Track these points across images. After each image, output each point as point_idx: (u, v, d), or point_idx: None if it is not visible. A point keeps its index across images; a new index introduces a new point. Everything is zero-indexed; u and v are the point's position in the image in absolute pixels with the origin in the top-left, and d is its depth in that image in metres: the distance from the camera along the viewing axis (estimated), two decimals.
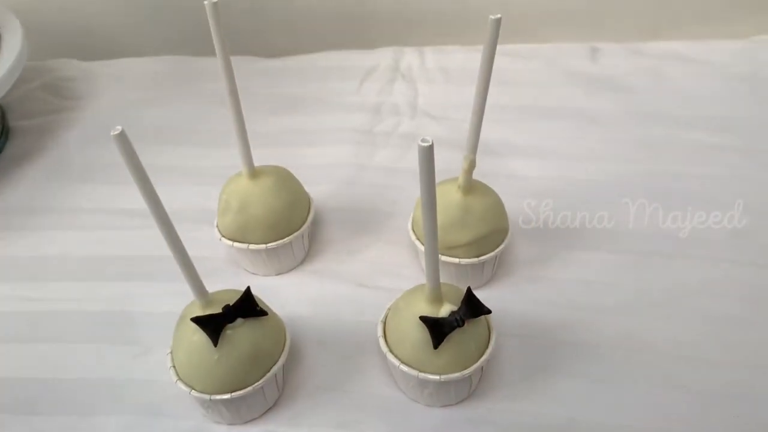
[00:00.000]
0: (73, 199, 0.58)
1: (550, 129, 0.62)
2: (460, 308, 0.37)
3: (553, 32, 0.74)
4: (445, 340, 0.37)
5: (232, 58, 0.73)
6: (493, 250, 0.45)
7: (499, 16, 0.37)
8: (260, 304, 0.39)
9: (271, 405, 0.41)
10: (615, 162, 0.58)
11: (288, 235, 0.47)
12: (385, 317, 0.41)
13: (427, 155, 0.31)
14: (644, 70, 0.69)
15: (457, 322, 0.37)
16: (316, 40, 0.76)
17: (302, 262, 0.50)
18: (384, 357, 0.40)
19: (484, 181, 0.46)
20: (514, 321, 0.45)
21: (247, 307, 0.38)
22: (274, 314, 0.41)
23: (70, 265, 0.51)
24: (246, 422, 0.41)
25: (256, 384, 0.38)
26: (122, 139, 0.32)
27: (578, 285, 0.48)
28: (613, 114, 0.64)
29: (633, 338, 0.44)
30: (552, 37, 0.74)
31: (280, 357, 0.39)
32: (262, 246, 0.46)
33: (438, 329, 0.36)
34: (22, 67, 0.60)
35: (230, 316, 0.37)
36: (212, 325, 0.37)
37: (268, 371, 0.39)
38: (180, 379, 0.38)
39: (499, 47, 0.38)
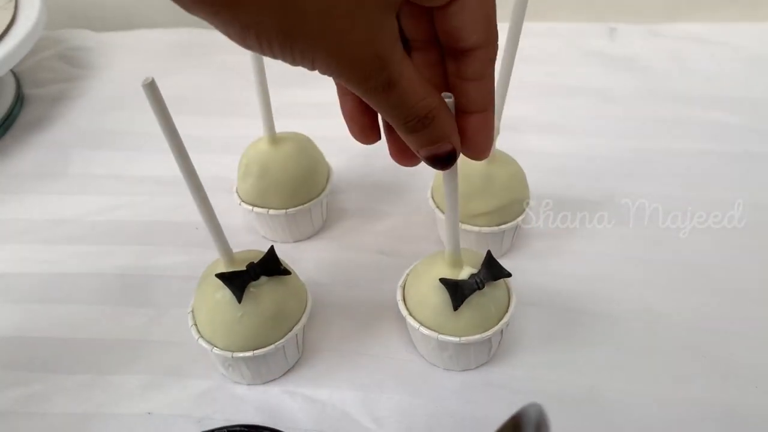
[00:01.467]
0: (86, 165, 0.58)
1: (568, 107, 0.62)
2: (480, 271, 0.37)
3: (572, 12, 0.74)
4: (464, 303, 0.36)
5: None
6: (513, 220, 0.45)
7: None
8: (283, 264, 0.39)
9: (291, 366, 0.41)
10: (632, 140, 0.58)
11: (307, 202, 0.47)
12: (405, 281, 0.41)
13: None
14: (662, 50, 0.68)
15: (477, 284, 0.36)
16: None
17: (321, 229, 0.50)
18: (403, 321, 0.39)
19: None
20: (533, 290, 0.45)
21: (270, 265, 0.38)
22: (296, 275, 0.40)
23: (83, 229, 0.51)
24: (266, 382, 0.40)
25: (278, 342, 0.38)
26: (152, 89, 0.31)
27: (598, 257, 0.47)
28: (631, 93, 0.63)
29: (652, 309, 0.44)
30: (571, 17, 0.73)
31: (302, 317, 0.39)
32: (282, 211, 0.46)
33: (458, 291, 0.36)
34: (39, 36, 0.60)
35: (254, 274, 0.37)
36: (237, 281, 0.36)
37: (290, 330, 0.38)
38: (202, 336, 0.38)
39: None
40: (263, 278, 0.37)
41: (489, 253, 0.38)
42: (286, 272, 0.39)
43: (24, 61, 0.59)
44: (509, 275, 0.38)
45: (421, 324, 0.38)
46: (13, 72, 0.66)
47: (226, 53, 0.70)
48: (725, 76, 0.65)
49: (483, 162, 0.43)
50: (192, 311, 0.39)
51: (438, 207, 0.46)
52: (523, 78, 0.65)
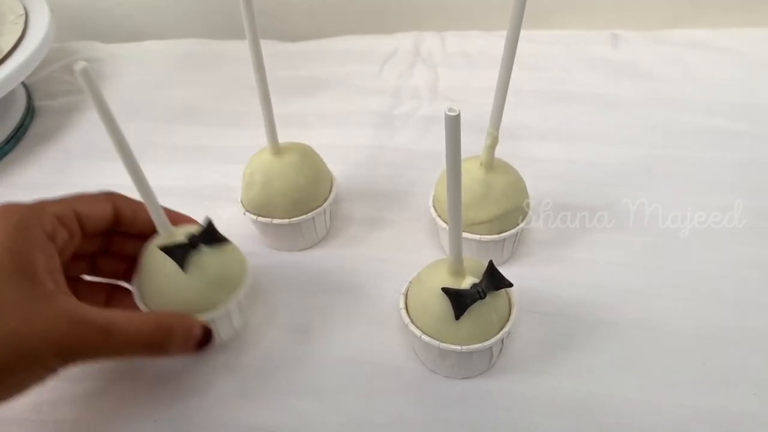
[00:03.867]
0: (96, 177, 0.58)
1: (570, 114, 0.62)
2: (482, 280, 0.37)
3: (574, 19, 0.74)
4: (466, 312, 0.37)
5: None
6: (514, 228, 0.45)
7: None
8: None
9: (237, 331, 0.44)
10: (635, 147, 0.58)
11: (311, 211, 0.48)
12: (407, 290, 0.41)
13: (454, 124, 0.31)
14: (665, 57, 0.69)
15: (479, 294, 0.37)
16: (337, 24, 0.76)
17: (324, 238, 0.51)
18: (405, 330, 0.40)
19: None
20: (534, 298, 0.45)
21: (210, 236, 0.41)
22: (234, 245, 0.43)
23: None
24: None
25: (223, 305, 0.40)
26: (86, 75, 0.32)
27: (598, 265, 0.48)
28: (634, 100, 0.64)
29: (652, 318, 0.44)
30: (573, 24, 0.74)
31: (243, 282, 0.42)
32: (286, 220, 0.47)
33: (460, 300, 0.37)
34: (49, 49, 0.61)
35: (195, 244, 0.39)
36: (180, 252, 0.39)
37: (234, 294, 0.41)
38: (148, 308, 0.40)
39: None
40: (204, 248, 0.40)
41: (491, 263, 0.38)
42: (225, 240, 0.41)
43: (35, 73, 0.60)
44: (511, 285, 0.38)
45: (423, 332, 0.39)
46: (24, 84, 0.67)
47: (233, 64, 0.71)
48: (728, 83, 0.65)
49: (483, 170, 0.44)
50: (137, 287, 0.41)
51: (439, 216, 0.46)
52: (525, 85, 0.66)
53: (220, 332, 0.42)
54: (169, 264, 0.39)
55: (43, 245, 0.35)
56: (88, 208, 0.39)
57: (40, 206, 0.37)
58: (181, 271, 0.39)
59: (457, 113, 0.31)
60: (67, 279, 0.36)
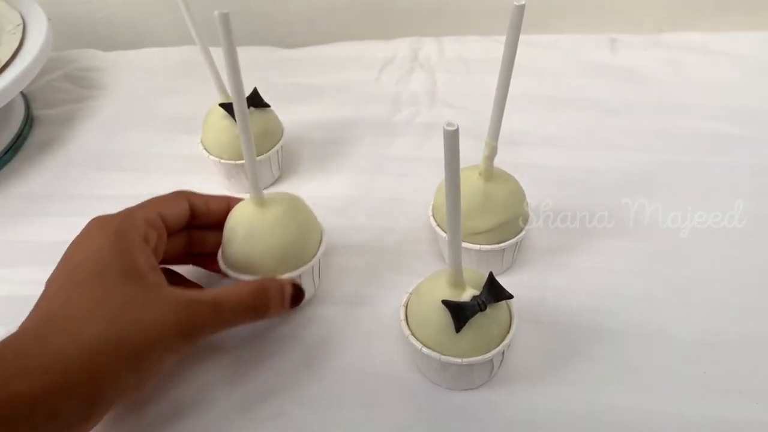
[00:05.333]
0: (95, 186, 0.58)
1: (568, 119, 0.63)
2: (482, 292, 0.38)
3: (572, 23, 0.74)
4: (467, 324, 0.37)
5: (251, 48, 0.74)
6: (513, 237, 0.45)
7: (523, 2, 0.37)
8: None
9: (277, 176, 0.56)
10: (634, 152, 0.58)
11: (298, 268, 0.43)
12: (407, 301, 0.41)
13: (452, 139, 0.31)
14: (663, 61, 0.69)
15: (479, 306, 0.37)
16: (335, 30, 0.76)
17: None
18: (405, 341, 0.40)
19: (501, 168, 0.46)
20: (534, 307, 0.45)
21: (256, 100, 0.53)
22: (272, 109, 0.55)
23: None
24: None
25: (268, 152, 0.53)
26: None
27: (597, 273, 0.48)
28: (633, 105, 0.64)
29: (652, 325, 0.44)
30: (571, 29, 0.74)
31: (281, 138, 0.55)
32: None
33: (460, 313, 0.37)
34: (47, 58, 0.61)
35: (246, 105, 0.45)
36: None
37: (274, 146, 0.54)
38: (211, 153, 0.53)
39: None
40: (252, 108, 0.51)
41: (491, 275, 0.38)
42: (266, 105, 0.53)
43: (33, 82, 0.60)
44: (511, 297, 0.38)
45: (424, 344, 0.39)
46: (22, 93, 0.67)
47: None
48: (727, 86, 0.65)
49: (482, 180, 0.44)
50: (201, 142, 0.54)
51: (439, 225, 0.47)
52: (523, 90, 0.65)
53: (265, 176, 0.51)
54: (228, 118, 0.50)
55: (141, 247, 0.38)
56: (168, 208, 0.42)
57: (130, 214, 0.40)
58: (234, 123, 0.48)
59: (456, 128, 0.31)
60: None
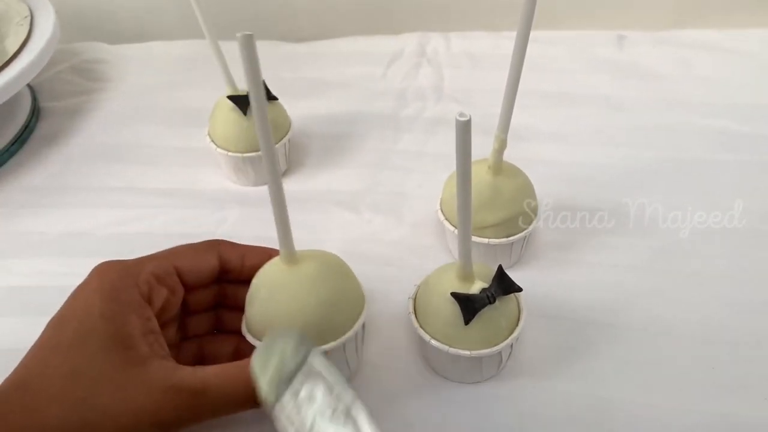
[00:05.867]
0: (101, 178, 0.58)
1: (575, 115, 0.62)
2: (491, 285, 0.37)
3: (580, 19, 0.74)
4: (476, 317, 0.37)
5: (258, 43, 0.74)
6: (522, 231, 0.45)
7: None
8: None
9: (284, 169, 0.56)
10: (640, 149, 0.58)
11: (326, 343, 0.37)
12: (416, 294, 0.41)
13: (464, 129, 0.31)
14: (671, 58, 0.68)
15: (488, 299, 0.37)
16: (342, 24, 0.76)
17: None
18: (414, 334, 0.40)
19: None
20: (542, 301, 0.45)
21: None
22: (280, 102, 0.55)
23: (99, 242, 0.52)
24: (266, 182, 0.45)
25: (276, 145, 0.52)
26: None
27: (605, 268, 0.48)
28: (640, 102, 0.64)
29: (660, 321, 0.44)
30: (578, 25, 0.74)
31: (288, 131, 0.54)
32: None
33: (469, 305, 0.37)
34: (54, 50, 0.61)
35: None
36: (242, 100, 0.51)
37: (282, 138, 0.54)
38: (218, 146, 0.53)
39: None
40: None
41: (500, 268, 0.38)
42: (274, 98, 0.54)
43: (40, 74, 0.60)
44: (520, 290, 0.38)
45: (432, 337, 0.38)
46: (29, 85, 0.67)
47: (240, 65, 0.71)
48: (735, 84, 0.65)
49: (490, 174, 0.44)
50: (208, 134, 0.54)
51: (447, 219, 0.46)
52: (530, 86, 0.65)
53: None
54: (235, 110, 0.51)
55: (139, 308, 0.34)
56: (189, 262, 0.38)
57: (137, 266, 0.36)
58: (243, 115, 0.51)
59: (468, 118, 0.30)
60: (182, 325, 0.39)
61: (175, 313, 0.39)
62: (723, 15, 0.72)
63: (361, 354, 0.41)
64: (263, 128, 0.32)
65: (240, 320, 0.39)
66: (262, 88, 0.32)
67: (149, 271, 0.36)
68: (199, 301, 0.40)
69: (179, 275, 0.38)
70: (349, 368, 0.40)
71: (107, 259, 0.50)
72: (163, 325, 0.37)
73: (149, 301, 0.36)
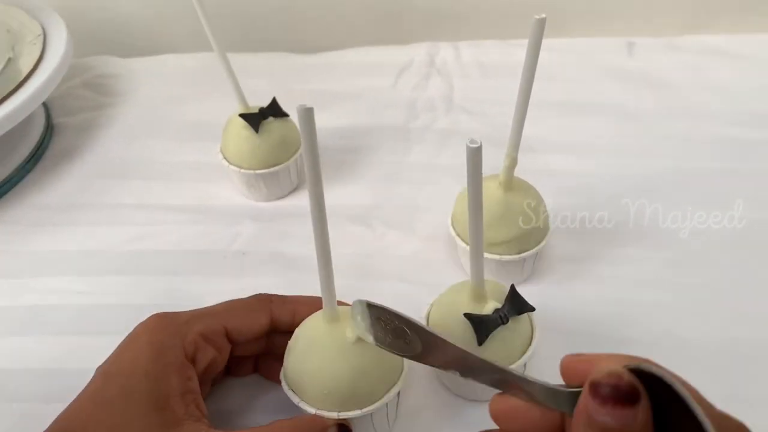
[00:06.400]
0: (115, 195, 0.59)
1: (586, 125, 0.62)
2: (504, 305, 0.38)
3: (589, 26, 0.74)
4: (489, 338, 0.37)
5: (267, 54, 0.74)
6: (533, 247, 0.45)
7: (543, 16, 0.37)
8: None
9: (296, 184, 0.57)
10: (653, 158, 0.58)
11: (356, 409, 0.35)
12: (428, 313, 0.41)
13: (476, 156, 0.31)
14: (682, 64, 0.68)
15: (501, 320, 0.37)
16: (350, 35, 0.76)
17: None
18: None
19: (518, 176, 0.46)
20: (554, 316, 0.45)
21: (275, 110, 0.54)
22: (291, 119, 0.55)
23: (114, 260, 0.53)
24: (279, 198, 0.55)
25: (286, 162, 0.54)
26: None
27: (619, 281, 0.48)
28: (651, 110, 0.63)
29: (672, 334, 0.44)
30: (587, 32, 0.73)
31: (299, 147, 0.54)
32: (312, 410, 0.36)
33: (482, 326, 0.37)
34: (68, 67, 0.62)
35: (265, 115, 0.53)
36: (254, 119, 0.52)
37: (293, 155, 0.54)
38: (230, 163, 0.54)
39: None
40: (270, 117, 0.53)
41: (513, 287, 0.38)
42: (285, 114, 0.54)
43: (53, 90, 0.60)
44: (533, 309, 0.38)
45: None
46: (42, 102, 0.68)
47: (250, 78, 0.72)
48: (747, 90, 0.64)
49: (501, 190, 0.44)
50: (220, 150, 0.55)
51: (459, 235, 0.47)
52: (539, 95, 0.65)
53: (282, 186, 0.55)
54: (246, 128, 0.52)
55: (181, 368, 0.35)
56: (239, 322, 0.39)
57: (187, 325, 0.37)
58: (255, 132, 0.52)
59: (479, 145, 0.31)
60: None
61: (220, 369, 0.40)
62: (733, 20, 0.71)
63: (393, 423, 0.40)
64: (318, 207, 0.33)
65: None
66: (318, 162, 0.32)
67: (197, 331, 0.37)
68: (245, 351, 0.41)
69: (228, 333, 0.38)
70: (389, 425, 0.39)
71: (125, 277, 0.51)
72: (206, 381, 0.38)
73: (194, 360, 0.37)
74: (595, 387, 0.22)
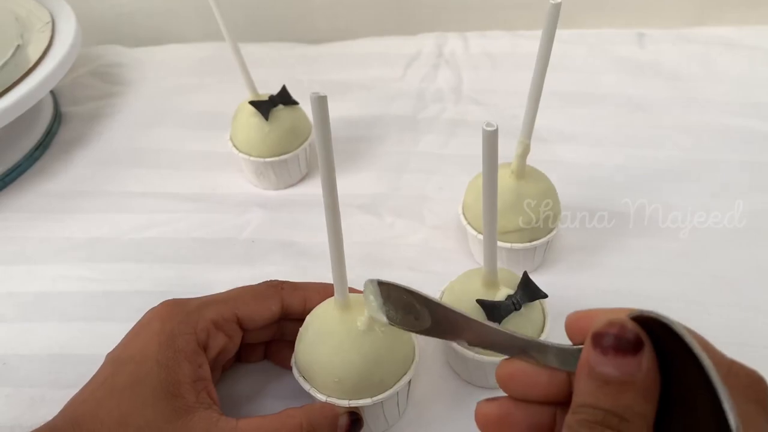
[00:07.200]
0: (123, 183, 0.59)
1: (595, 115, 0.62)
2: (516, 292, 0.37)
3: (599, 18, 0.74)
4: (501, 323, 0.37)
5: (276, 44, 0.74)
6: (545, 236, 0.45)
7: (559, 0, 0.36)
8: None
9: (303, 174, 0.56)
10: (663, 149, 0.58)
11: (367, 396, 0.35)
12: (440, 299, 0.41)
13: (491, 139, 0.31)
14: (692, 56, 0.68)
15: (513, 306, 0.37)
16: (359, 26, 0.76)
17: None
18: (438, 339, 0.40)
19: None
20: (565, 306, 0.44)
21: (285, 97, 0.53)
22: (301, 107, 0.55)
23: (122, 247, 0.52)
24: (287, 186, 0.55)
25: (295, 150, 0.53)
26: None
27: (628, 271, 0.48)
28: (661, 101, 0.63)
29: (687, 324, 0.44)
30: (597, 23, 0.73)
31: (310, 134, 0.54)
32: (322, 397, 0.36)
33: (495, 312, 0.37)
34: (76, 55, 0.61)
35: (274, 102, 0.53)
36: (264, 106, 0.52)
37: (303, 143, 0.54)
38: (240, 151, 0.53)
39: None
40: (280, 105, 0.53)
41: (525, 274, 0.38)
42: (295, 102, 0.53)
43: (61, 79, 0.60)
44: (545, 296, 0.38)
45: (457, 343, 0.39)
46: (51, 90, 0.68)
47: (257, 68, 0.71)
48: (758, 82, 0.64)
49: (514, 178, 0.44)
50: (230, 138, 0.54)
51: (470, 224, 0.46)
52: (550, 86, 0.64)
53: (292, 174, 0.55)
54: (256, 115, 0.51)
55: (192, 354, 0.35)
56: (251, 309, 0.38)
57: (198, 311, 0.37)
58: (265, 120, 0.51)
59: (495, 128, 0.30)
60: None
61: (231, 356, 0.40)
62: (743, 11, 0.71)
63: (404, 410, 0.40)
64: (330, 195, 0.32)
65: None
66: (331, 150, 0.31)
67: (209, 318, 0.37)
68: (256, 337, 0.41)
69: (239, 321, 0.38)
70: (387, 422, 0.39)
71: (133, 265, 0.51)
72: (217, 368, 0.38)
73: (205, 347, 0.37)
74: (596, 337, 0.22)
